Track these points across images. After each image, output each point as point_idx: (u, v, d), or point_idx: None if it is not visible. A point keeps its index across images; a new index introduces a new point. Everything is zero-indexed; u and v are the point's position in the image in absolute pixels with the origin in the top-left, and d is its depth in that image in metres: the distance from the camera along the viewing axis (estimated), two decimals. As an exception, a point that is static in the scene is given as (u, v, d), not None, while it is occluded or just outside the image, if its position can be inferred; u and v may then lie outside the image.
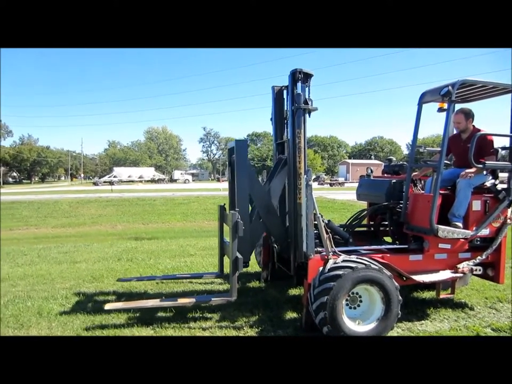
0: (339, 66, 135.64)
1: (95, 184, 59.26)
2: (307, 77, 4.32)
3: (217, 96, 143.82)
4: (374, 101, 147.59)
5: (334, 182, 54.49)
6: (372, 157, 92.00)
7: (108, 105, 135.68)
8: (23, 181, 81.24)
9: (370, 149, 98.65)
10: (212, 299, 4.20)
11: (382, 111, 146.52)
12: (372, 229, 5.65)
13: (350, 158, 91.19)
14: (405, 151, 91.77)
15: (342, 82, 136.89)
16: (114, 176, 63.84)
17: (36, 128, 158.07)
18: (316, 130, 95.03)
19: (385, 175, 5.73)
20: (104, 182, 59.74)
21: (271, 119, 5.13)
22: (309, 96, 4.29)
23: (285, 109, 4.95)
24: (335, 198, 23.30)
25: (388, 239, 5.24)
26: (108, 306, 4.06)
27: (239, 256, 4.03)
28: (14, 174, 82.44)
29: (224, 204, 4.72)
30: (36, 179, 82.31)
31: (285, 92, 4.89)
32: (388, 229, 5.06)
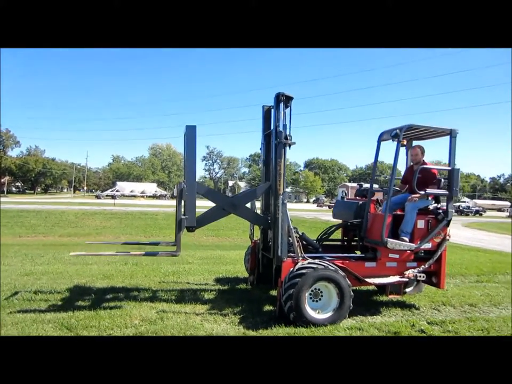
0: (339, 93, 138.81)
1: (97, 197, 60.39)
2: (288, 99, 5.22)
3: (222, 118, 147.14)
4: (376, 127, 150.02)
5: (333, 204, 55.25)
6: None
7: (115, 121, 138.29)
8: (26, 191, 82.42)
9: (371, 173, 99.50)
10: (159, 253, 5.22)
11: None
12: (346, 243, 6.68)
13: (350, 181, 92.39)
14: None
15: (344, 109, 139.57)
16: (117, 190, 64.95)
17: (44, 141, 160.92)
18: (317, 152, 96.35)
19: (357, 197, 6.78)
20: (107, 195, 60.85)
21: (260, 149, 6.22)
22: (289, 133, 5.23)
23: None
24: (329, 219, 24.22)
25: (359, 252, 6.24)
26: (72, 253, 5.33)
27: (183, 217, 5.01)
28: (18, 184, 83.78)
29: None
30: (39, 190, 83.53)
31: (272, 110, 5.69)
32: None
